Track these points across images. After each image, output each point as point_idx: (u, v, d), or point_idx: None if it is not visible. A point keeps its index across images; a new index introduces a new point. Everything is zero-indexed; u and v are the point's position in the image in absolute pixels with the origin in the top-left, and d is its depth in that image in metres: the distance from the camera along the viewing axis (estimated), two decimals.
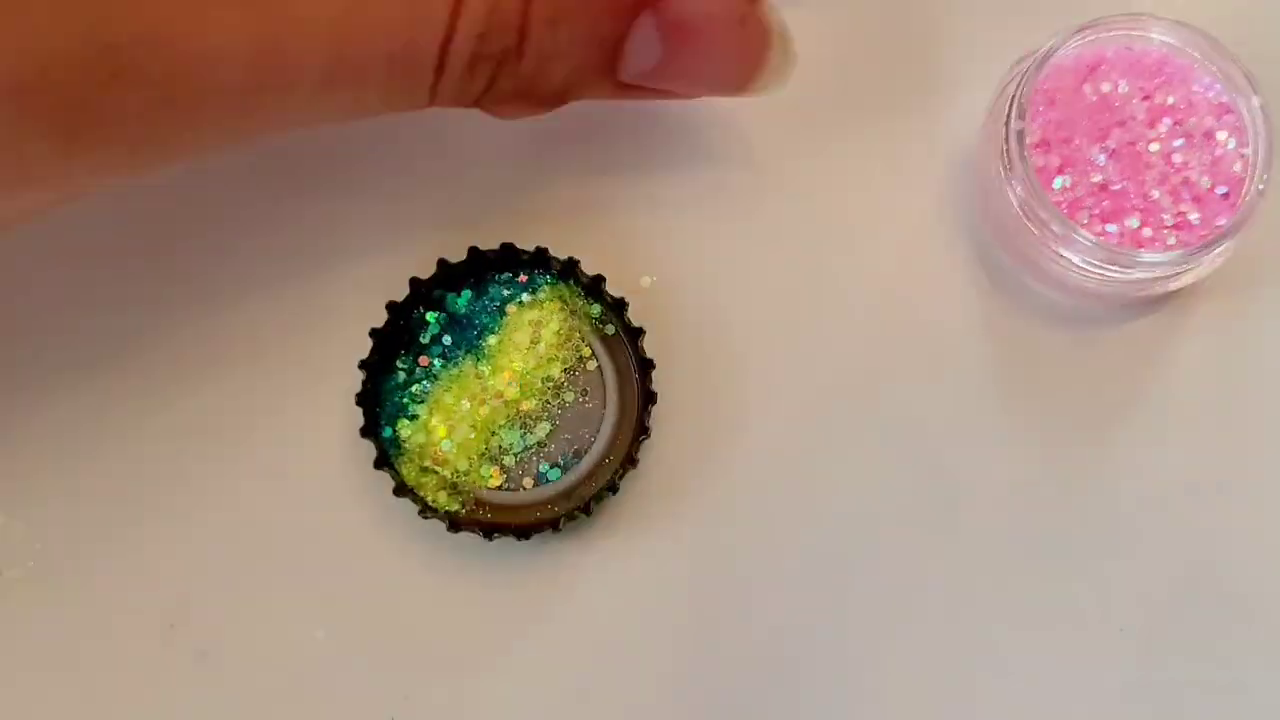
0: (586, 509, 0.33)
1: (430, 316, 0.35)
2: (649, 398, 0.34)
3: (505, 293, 0.35)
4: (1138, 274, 0.31)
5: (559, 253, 0.34)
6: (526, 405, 0.35)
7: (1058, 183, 0.32)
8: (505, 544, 0.34)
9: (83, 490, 0.34)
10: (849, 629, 0.34)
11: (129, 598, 0.34)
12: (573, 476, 0.34)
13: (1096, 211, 0.32)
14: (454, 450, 0.34)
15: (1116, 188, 0.32)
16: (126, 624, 0.34)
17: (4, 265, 0.34)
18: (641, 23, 0.29)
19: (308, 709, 0.34)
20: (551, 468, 0.34)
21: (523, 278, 0.35)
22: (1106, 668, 0.34)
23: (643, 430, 0.34)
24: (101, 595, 0.34)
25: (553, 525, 0.33)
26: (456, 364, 0.35)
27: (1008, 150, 0.31)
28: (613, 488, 0.33)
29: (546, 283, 0.35)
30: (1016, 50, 0.33)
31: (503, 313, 0.35)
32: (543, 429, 0.35)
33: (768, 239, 0.36)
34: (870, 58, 0.36)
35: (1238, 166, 0.32)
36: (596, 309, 0.35)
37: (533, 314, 0.35)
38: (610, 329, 0.35)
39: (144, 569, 0.34)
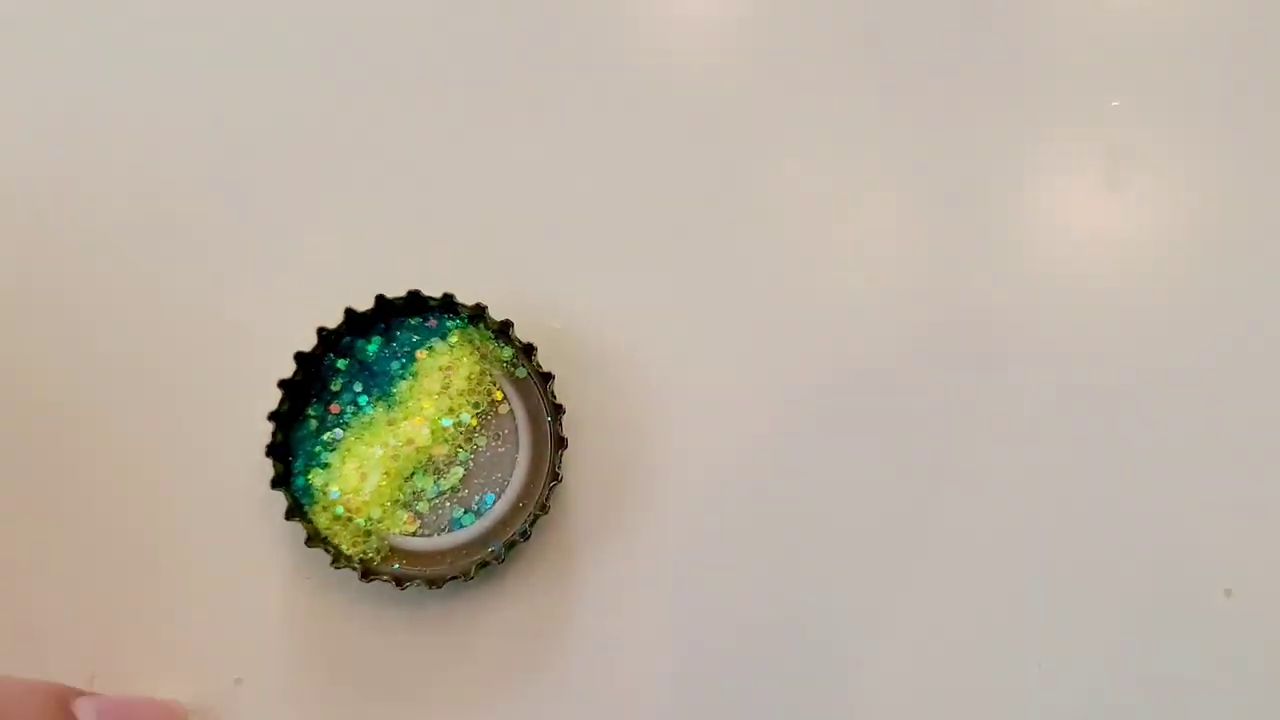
0: (499, 557, 0.33)
1: (340, 364, 0.35)
2: (560, 443, 0.34)
3: (415, 338, 0.35)
4: None
5: (465, 299, 0.34)
6: (439, 450, 0.35)
7: None
8: (417, 592, 0.34)
9: None
10: (759, 665, 0.34)
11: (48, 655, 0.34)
12: (486, 522, 0.34)
13: None
14: (368, 497, 0.34)
15: None
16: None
17: None
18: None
19: None
20: (465, 513, 0.34)
21: (432, 322, 0.35)
22: None
23: (554, 476, 0.34)
24: (19, 653, 0.34)
25: (464, 574, 0.33)
26: (368, 411, 0.35)
27: None
28: (525, 534, 0.33)
29: (456, 327, 0.35)
30: None
31: (413, 358, 0.35)
32: (456, 474, 0.35)
33: (677, 285, 0.36)
34: None
35: None
36: (508, 352, 0.35)
37: (443, 359, 0.35)
38: (521, 372, 0.35)
39: (58, 629, 0.34)
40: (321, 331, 0.34)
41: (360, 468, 0.34)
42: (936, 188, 0.37)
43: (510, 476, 0.35)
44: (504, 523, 0.34)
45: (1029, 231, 0.37)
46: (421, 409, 0.35)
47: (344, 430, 0.35)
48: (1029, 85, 0.38)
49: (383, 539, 0.34)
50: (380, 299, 0.34)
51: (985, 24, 0.39)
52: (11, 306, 0.36)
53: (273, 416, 0.34)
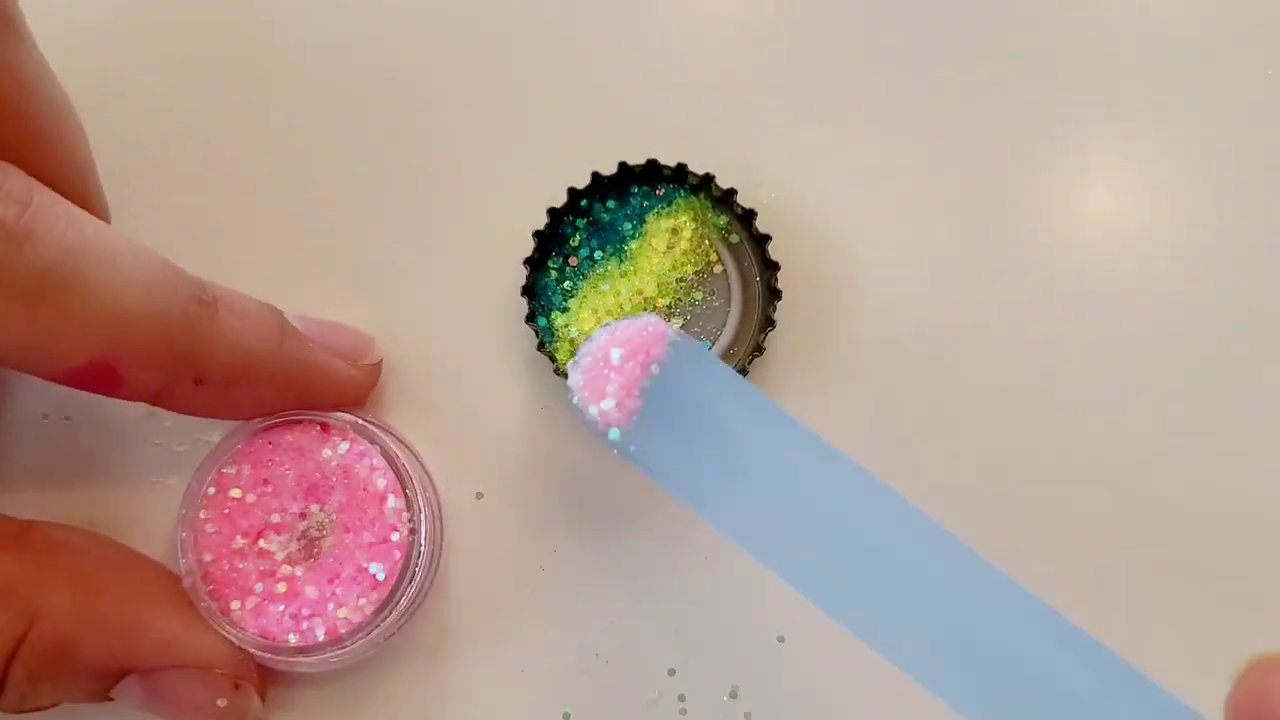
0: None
1: (579, 222, 0.40)
2: (774, 294, 0.39)
3: (645, 204, 0.40)
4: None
5: (697, 169, 0.39)
6: (662, 301, 0.40)
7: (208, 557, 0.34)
8: None
9: None
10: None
11: None
12: None
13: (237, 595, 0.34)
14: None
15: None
16: None
17: None
18: (125, 685, 0.31)
19: (468, 550, 0.40)
20: None
21: (660, 191, 0.40)
22: None
23: (769, 323, 0.39)
24: None
25: None
26: (601, 264, 0.40)
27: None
28: (743, 371, 0.39)
29: (681, 196, 0.40)
30: None
31: (642, 220, 0.40)
32: (675, 323, 0.40)
33: (880, 161, 0.41)
34: None
35: (398, 554, 0.34)
36: (723, 219, 0.40)
37: (668, 222, 0.40)
38: (735, 238, 0.40)
39: None
40: (571, 191, 0.39)
41: (595, 312, 0.40)
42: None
43: (723, 328, 0.40)
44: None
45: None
46: (649, 265, 0.40)
47: (580, 280, 0.40)
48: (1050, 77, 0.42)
49: None
50: (623, 165, 0.39)
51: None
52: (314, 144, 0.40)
53: (527, 262, 0.39)
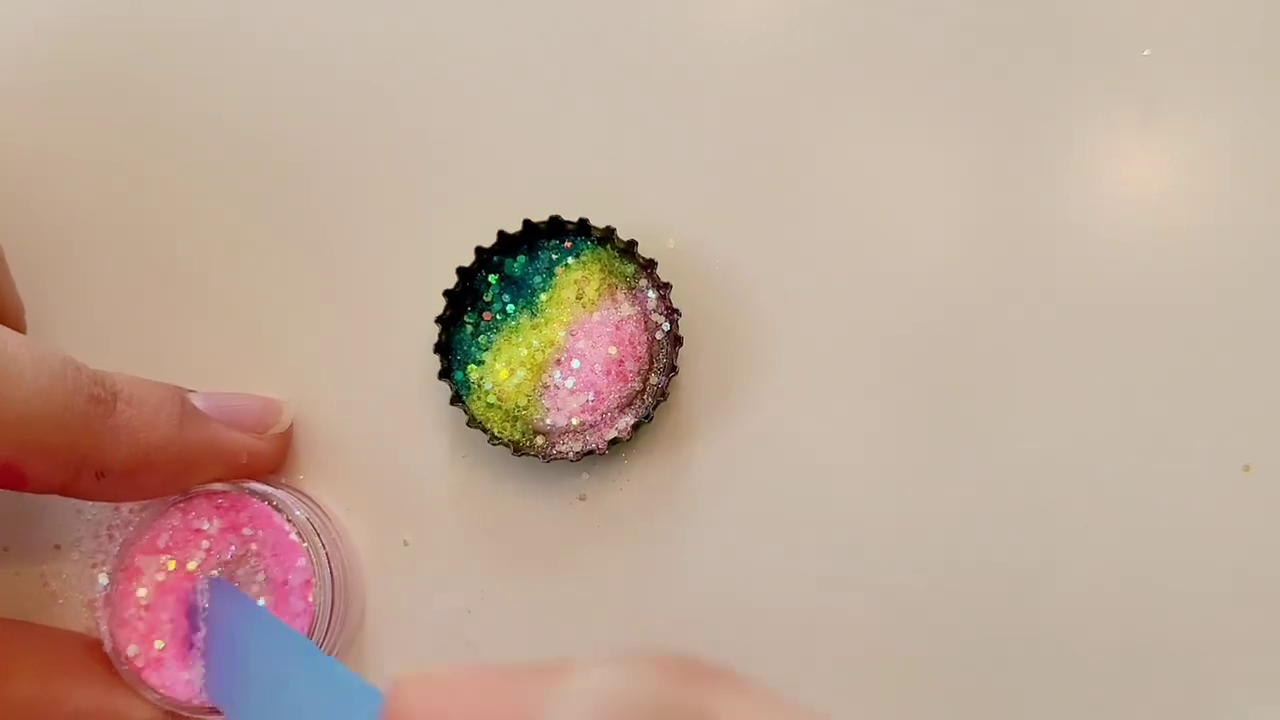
0: (627, 435, 0.40)
1: (492, 278, 0.42)
2: (677, 341, 0.41)
3: (554, 256, 0.42)
4: None
5: (598, 222, 0.41)
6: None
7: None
8: (560, 464, 0.41)
9: None
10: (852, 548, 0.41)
11: None
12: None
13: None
14: (514, 388, 0.41)
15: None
16: None
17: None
18: None
19: (398, 597, 0.41)
20: None
21: (568, 244, 0.42)
22: None
23: (672, 369, 0.41)
24: None
25: (597, 449, 0.40)
26: (514, 317, 0.42)
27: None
28: (648, 417, 0.40)
29: (588, 247, 0.42)
30: None
31: (552, 273, 0.42)
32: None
33: (773, 210, 0.43)
34: None
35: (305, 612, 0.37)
36: (630, 268, 0.42)
37: (577, 274, 0.42)
38: (642, 284, 0.42)
39: None
40: (478, 250, 0.41)
41: (509, 364, 0.41)
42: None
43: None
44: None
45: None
46: (560, 314, 0.42)
47: (494, 334, 0.42)
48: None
49: (528, 423, 0.41)
50: (527, 223, 0.41)
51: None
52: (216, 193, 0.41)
53: (439, 320, 0.41)
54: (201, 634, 0.35)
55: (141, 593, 0.36)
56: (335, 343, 0.41)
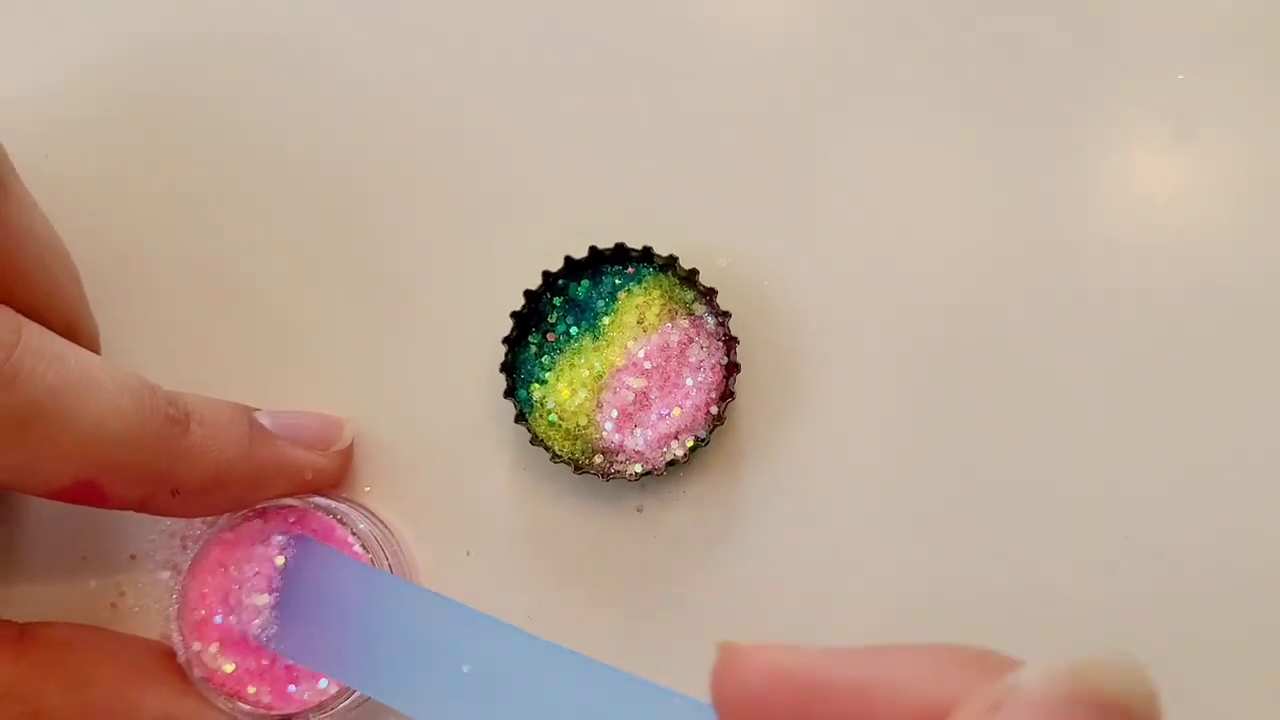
0: (684, 457, 0.42)
1: (556, 301, 0.43)
2: (733, 367, 0.42)
3: (617, 282, 0.43)
4: None
5: (661, 250, 0.42)
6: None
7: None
8: (619, 483, 0.42)
9: None
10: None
11: None
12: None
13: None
14: (576, 408, 0.43)
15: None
16: None
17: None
18: None
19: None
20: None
21: (631, 269, 0.43)
22: None
23: (729, 394, 0.42)
24: None
25: (655, 470, 0.42)
26: (577, 339, 0.43)
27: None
28: (704, 440, 0.42)
29: (650, 274, 0.43)
30: None
31: (615, 298, 0.43)
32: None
33: (824, 231, 0.44)
34: None
35: None
36: (690, 295, 0.43)
37: (639, 299, 0.43)
38: (700, 310, 0.43)
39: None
40: (545, 274, 0.42)
41: (570, 384, 0.43)
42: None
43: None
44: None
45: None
46: (621, 338, 0.43)
47: (558, 354, 0.43)
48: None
49: (588, 441, 0.43)
50: (593, 249, 0.42)
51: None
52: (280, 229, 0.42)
53: (505, 340, 0.42)
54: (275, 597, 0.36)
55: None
56: (404, 363, 0.41)
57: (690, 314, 0.42)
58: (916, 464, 0.40)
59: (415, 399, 0.41)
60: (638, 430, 0.41)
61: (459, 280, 0.41)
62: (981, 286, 0.40)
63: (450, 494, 0.41)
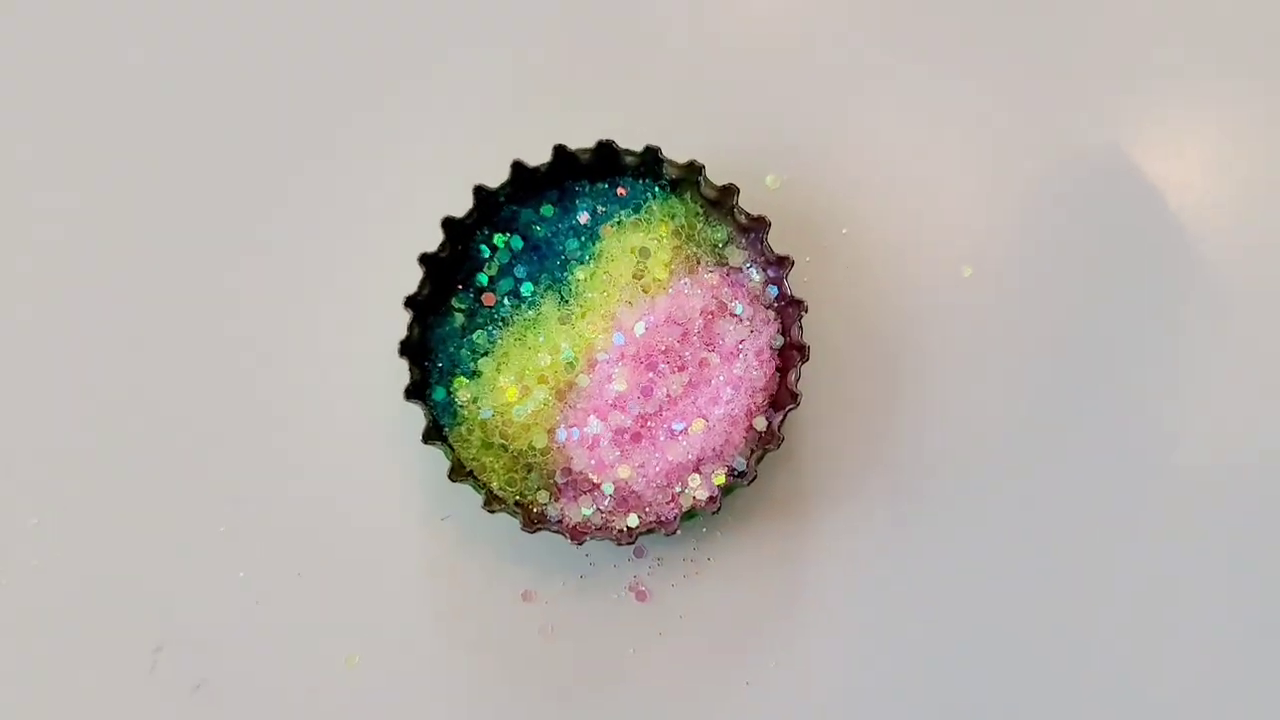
0: (714, 504, 0.25)
1: (499, 240, 0.27)
2: (795, 353, 0.25)
3: (600, 208, 0.27)
4: None
5: (675, 155, 0.26)
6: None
7: None
8: (604, 548, 0.25)
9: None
10: None
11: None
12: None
13: None
14: (529, 419, 0.26)
15: None
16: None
17: None
18: None
19: None
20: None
21: (622, 190, 0.27)
22: None
23: (790, 397, 0.25)
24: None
25: (664, 526, 0.25)
26: (533, 304, 0.26)
27: None
28: (744, 475, 0.25)
29: (655, 195, 0.26)
30: None
31: (595, 236, 0.26)
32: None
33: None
34: None
35: None
36: (722, 231, 0.26)
37: (636, 237, 0.26)
38: (738, 258, 0.26)
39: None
40: (480, 192, 0.25)
41: (522, 379, 0.26)
42: None
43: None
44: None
45: None
46: (604, 303, 0.26)
47: (499, 329, 0.26)
48: None
49: (547, 476, 0.26)
50: (560, 151, 0.26)
51: None
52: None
53: (411, 303, 0.25)
54: None
55: None
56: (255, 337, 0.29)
57: (722, 263, 0.27)
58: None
59: (271, 404, 0.28)
60: (633, 457, 0.27)
61: (339, 206, 0.29)
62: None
63: (321, 564, 0.25)
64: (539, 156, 0.26)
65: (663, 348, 0.26)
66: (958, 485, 0.29)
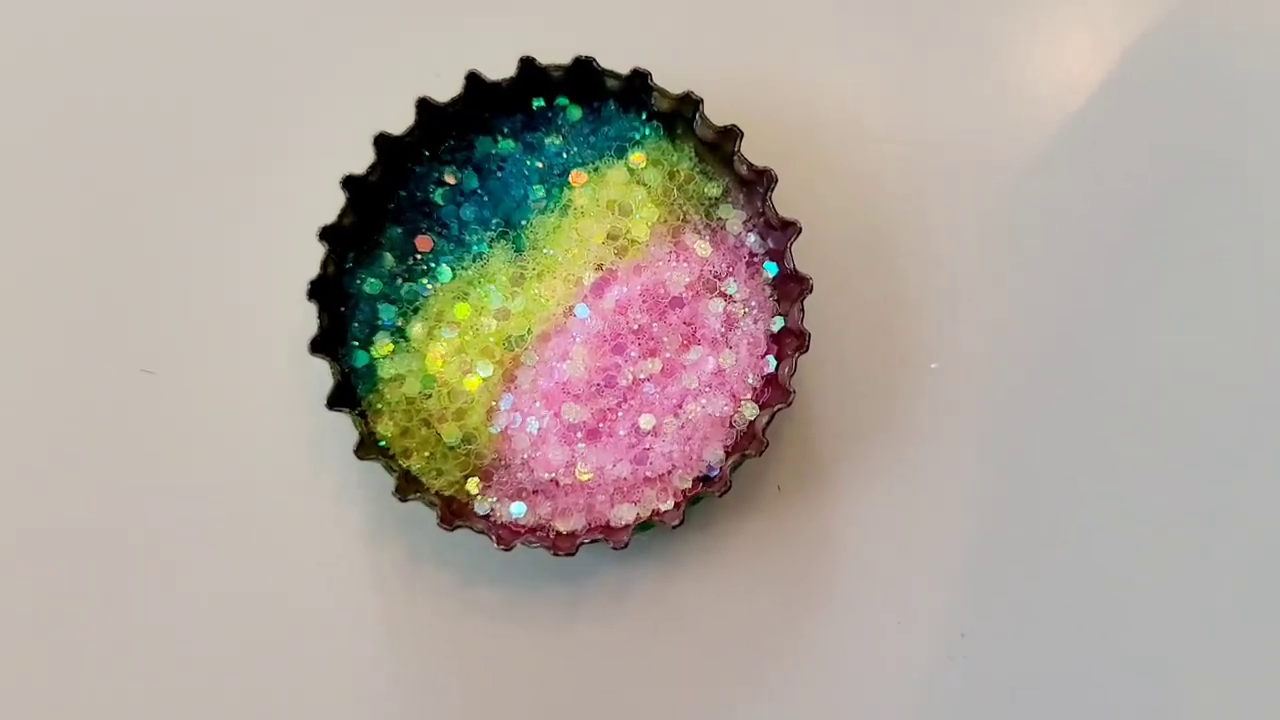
0: (677, 515, 0.20)
1: (448, 173, 0.22)
2: (793, 339, 0.20)
3: (569, 149, 0.22)
4: None
5: (667, 83, 0.22)
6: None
7: None
8: (532, 557, 0.20)
9: None
10: None
11: None
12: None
13: None
14: (469, 400, 0.22)
15: None
16: None
17: None
18: None
19: None
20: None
21: (599, 117, 0.23)
22: None
23: (785, 394, 0.20)
24: None
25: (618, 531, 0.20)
26: (479, 254, 0.21)
27: None
28: (716, 482, 0.20)
29: (643, 136, 0.21)
30: None
31: (564, 182, 0.21)
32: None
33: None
34: None
35: None
36: (717, 186, 0.21)
37: (614, 187, 0.21)
38: (733, 221, 0.21)
39: None
40: (424, 105, 0.20)
41: (457, 347, 0.21)
42: None
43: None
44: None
45: None
46: (566, 263, 0.21)
47: (435, 282, 0.21)
48: None
49: (477, 464, 0.21)
50: (528, 63, 0.21)
51: None
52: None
53: (327, 234, 0.20)
54: None
55: None
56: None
57: (714, 224, 0.22)
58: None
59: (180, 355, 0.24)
60: (588, 458, 0.22)
61: (264, 110, 0.25)
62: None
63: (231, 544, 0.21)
64: (499, 67, 0.21)
65: (635, 327, 0.22)
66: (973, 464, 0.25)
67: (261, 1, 0.26)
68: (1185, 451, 0.26)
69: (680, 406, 0.22)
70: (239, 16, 0.25)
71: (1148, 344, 0.26)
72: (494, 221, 0.23)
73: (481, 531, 0.21)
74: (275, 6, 0.25)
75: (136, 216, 0.24)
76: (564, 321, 0.22)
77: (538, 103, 0.22)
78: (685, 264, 0.22)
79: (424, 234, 0.23)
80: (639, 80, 0.22)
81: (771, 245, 0.22)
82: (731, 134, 0.22)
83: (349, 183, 0.21)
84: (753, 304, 0.22)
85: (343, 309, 0.22)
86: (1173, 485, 0.26)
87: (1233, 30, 0.27)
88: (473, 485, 0.22)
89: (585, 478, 0.21)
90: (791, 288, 0.22)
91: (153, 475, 0.24)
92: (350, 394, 0.22)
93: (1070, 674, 0.25)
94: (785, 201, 0.23)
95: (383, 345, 0.22)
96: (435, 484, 0.22)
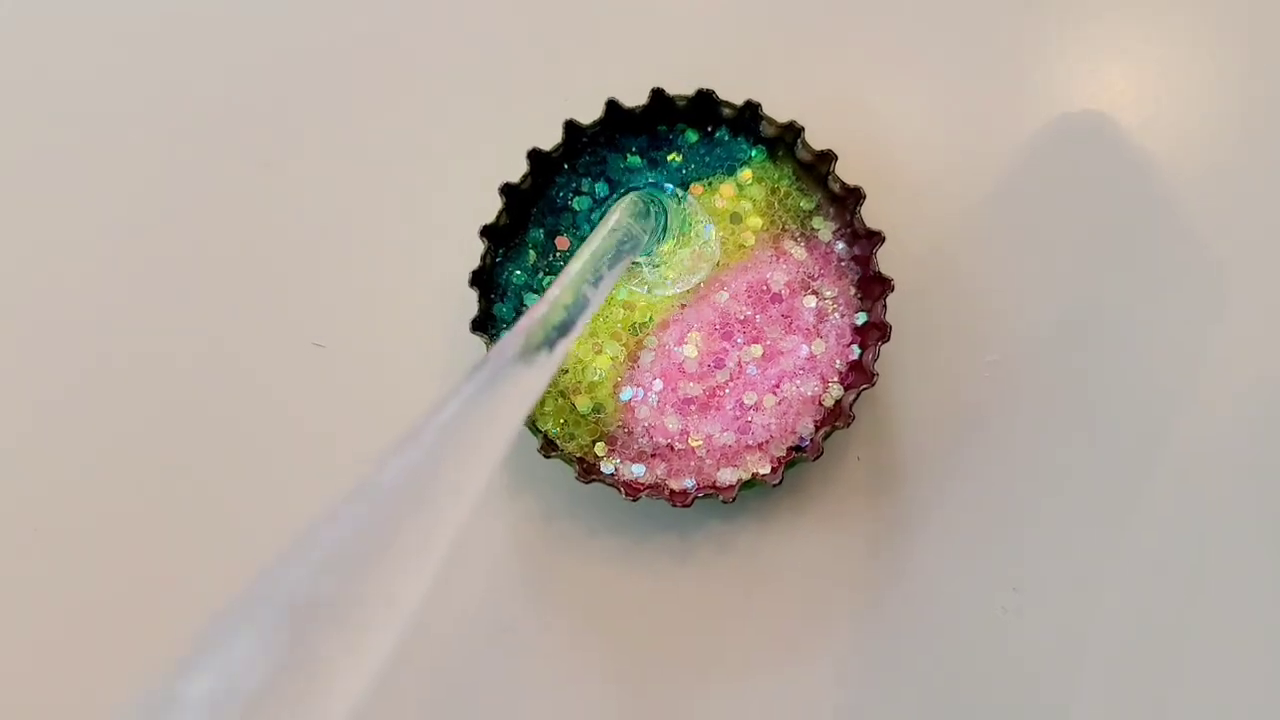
0: (776, 476, 0.24)
1: (585, 185, 0.25)
2: (874, 331, 0.24)
3: (689, 165, 0.25)
4: None
5: (776, 112, 0.24)
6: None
7: None
8: (655, 507, 0.24)
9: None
10: None
11: None
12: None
13: None
14: (599, 376, 0.24)
15: None
16: None
17: None
18: None
19: None
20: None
21: (710, 136, 0.26)
22: None
23: (868, 376, 0.24)
24: None
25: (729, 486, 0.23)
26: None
27: None
28: (807, 450, 0.24)
29: (750, 157, 0.25)
30: None
31: (682, 196, 0.25)
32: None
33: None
34: None
35: None
36: (811, 200, 0.25)
37: (727, 198, 0.25)
38: (825, 231, 0.25)
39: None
40: (570, 127, 0.24)
41: (592, 332, 0.24)
42: None
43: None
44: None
45: None
46: (686, 265, 0.25)
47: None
48: None
49: (606, 430, 0.24)
50: (658, 95, 0.24)
51: None
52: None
53: (487, 232, 0.24)
54: None
55: None
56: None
57: (808, 233, 0.24)
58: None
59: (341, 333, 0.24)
60: (700, 427, 0.25)
61: (431, 127, 0.27)
62: None
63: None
64: (632, 95, 0.24)
65: (741, 317, 0.25)
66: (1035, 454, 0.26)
67: (441, 40, 0.28)
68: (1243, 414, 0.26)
69: (778, 386, 0.25)
70: (416, 47, 0.28)
71: (1207, 333, 0.26)
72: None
73: (611, 485, 0.25)
74: (455, 46, 0.28)
75: (324, 211, 0.27)
76: (680, 312, 0.26)
77: (661, 128, 0.26)
78: (784, 265, 0.26)
79: (563, 234, 0.26)
80: (749, 110, 0.25)
81: (857, 251, 0.26)
82: (827, 157, 0.25)
83: (506, 189, 0.25)
84: (840, 301, 0.26)
85: (492, 296, 0.26)
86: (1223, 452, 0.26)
87: None
88: (600, 448, 0.26)
89: (696, 444, 0.25)
90: (875, 287, 0.25)
91: (324, 443, 0.26)
92: None
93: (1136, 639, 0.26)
94: (868, 213, 0.25)
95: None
96: (568, 447, 0.25)
